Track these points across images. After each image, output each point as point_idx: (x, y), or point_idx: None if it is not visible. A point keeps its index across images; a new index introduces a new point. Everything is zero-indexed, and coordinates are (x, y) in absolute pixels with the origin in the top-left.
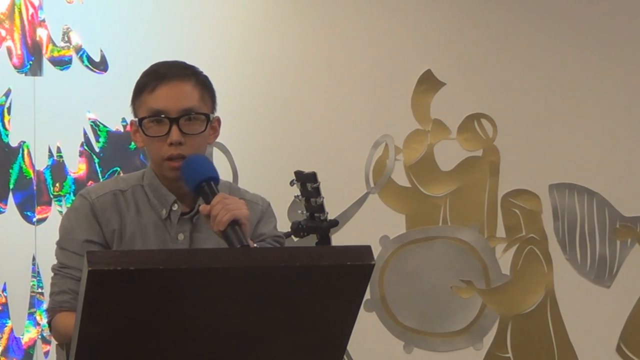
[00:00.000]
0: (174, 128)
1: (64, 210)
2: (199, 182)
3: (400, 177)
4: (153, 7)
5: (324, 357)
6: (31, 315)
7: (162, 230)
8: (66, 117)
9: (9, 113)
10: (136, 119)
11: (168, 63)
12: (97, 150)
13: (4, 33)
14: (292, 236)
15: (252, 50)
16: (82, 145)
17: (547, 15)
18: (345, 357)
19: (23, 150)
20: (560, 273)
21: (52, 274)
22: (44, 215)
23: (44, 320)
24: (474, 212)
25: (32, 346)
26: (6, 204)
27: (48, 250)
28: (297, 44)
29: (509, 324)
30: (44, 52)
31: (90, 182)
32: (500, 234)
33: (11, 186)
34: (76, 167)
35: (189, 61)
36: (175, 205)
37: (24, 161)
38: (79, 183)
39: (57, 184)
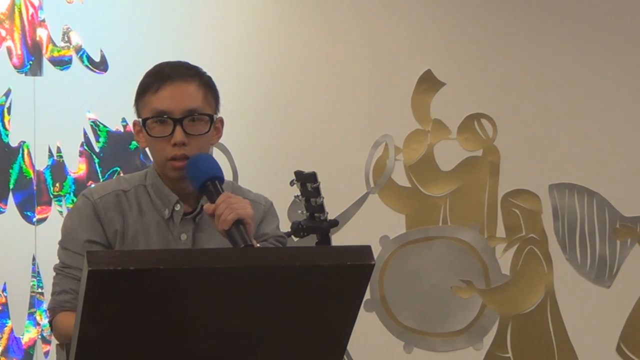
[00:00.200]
0: (178, 129)
1: (64, 210)
2: (203, 181)
3: (400, 177)
4: (153, 7)
5: (324, 357)
6: (31, 315)
7: (165, 230)
8: (66, 117)
9: (9, 113)
10: (140, 119)
11: (172, 63)
12: (97, 150)
13: (4, 33)
14: (292, 236)
15: (252, 50)
16: (82, 145)
17: (547, 15)
18: (345, 357)
19: (23, 150)
20: (560, 273)
21: (54, 274)
22: (44, 215)
23: (44, 320)
24: (474, 212)
25: (32, 346)
26: (6, 204)
27: (48, 250)
28: (297, 44)
29: (509, 324)
30: (44, 52)
31: (90, 182)
32: (500, 234)
33: (11, 186)
34: (76, 167)
35: (189, 61)
36: (178, 205)
37: (24, 161)
38: (79, 183)
39: (57, 184)
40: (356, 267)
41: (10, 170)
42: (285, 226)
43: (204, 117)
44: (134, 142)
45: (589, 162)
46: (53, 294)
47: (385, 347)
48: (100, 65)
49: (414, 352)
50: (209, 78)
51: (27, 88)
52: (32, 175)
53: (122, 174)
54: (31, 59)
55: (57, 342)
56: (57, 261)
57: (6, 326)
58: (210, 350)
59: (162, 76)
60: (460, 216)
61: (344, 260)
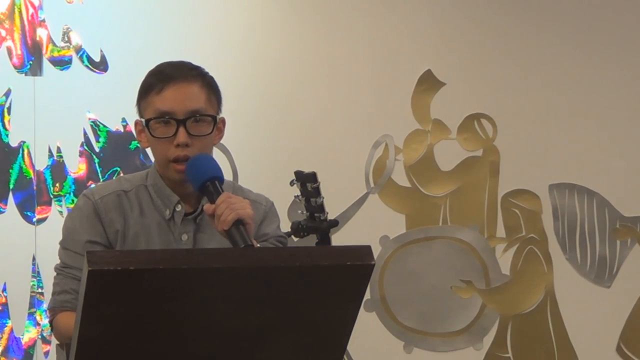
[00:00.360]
0: (181, 130)
1: (64, 210)
2: (203, 182)
3: (400, 177)
4: (153, 7)
5: (324, 357)
6: (31, 315)
7: (166, 230)
8: (66, 117)
9: (9, 113)
10: (142, 120)
11: (174, 63)
12: (97, 150)
13: (4, 33)
14: (292, 236)
15: (252, 50)
16: (82, 145)
17: (547, 15)
18: (345, 357)
19: (23, 150)
20: (560, 273)
21: (54, 274)
22: (44, 215)
23: (44, 320)
24: (474, 212)
25: (32, 346)
26: (6, 204)
27: (48, 250)
28: (297, 44)
29: (509, 324)
30: (44, 52)
31: (90, 182)
32: (500, 234)
33: (11, 186)
34: (76, 167)
35: (189, 61)
36: (179, 205)
37: (24, 161)
38: (79, 183)
39: (57, 184)
40: (356, 267)
41: (10, 170)
42: (285, 226)
43: (207, 118)
44: (134, 142)
45: (589, 162)
46: (53, 293)
47: (385, 347)
48: (100, 65)
49: (414, 352)
50: (212, 78)
51: (27, 88)
52: (32, 175)
53: (122, 174)
54: (31, 59)
55: (57, 342)
56: (58, 261)
57: (6, 326)
58: (210, 349)
59: (165, 76)
60: (460, 216)
61: (344, 260)
